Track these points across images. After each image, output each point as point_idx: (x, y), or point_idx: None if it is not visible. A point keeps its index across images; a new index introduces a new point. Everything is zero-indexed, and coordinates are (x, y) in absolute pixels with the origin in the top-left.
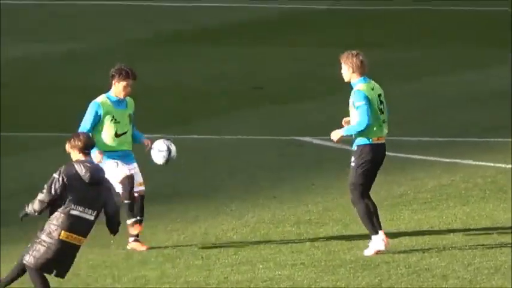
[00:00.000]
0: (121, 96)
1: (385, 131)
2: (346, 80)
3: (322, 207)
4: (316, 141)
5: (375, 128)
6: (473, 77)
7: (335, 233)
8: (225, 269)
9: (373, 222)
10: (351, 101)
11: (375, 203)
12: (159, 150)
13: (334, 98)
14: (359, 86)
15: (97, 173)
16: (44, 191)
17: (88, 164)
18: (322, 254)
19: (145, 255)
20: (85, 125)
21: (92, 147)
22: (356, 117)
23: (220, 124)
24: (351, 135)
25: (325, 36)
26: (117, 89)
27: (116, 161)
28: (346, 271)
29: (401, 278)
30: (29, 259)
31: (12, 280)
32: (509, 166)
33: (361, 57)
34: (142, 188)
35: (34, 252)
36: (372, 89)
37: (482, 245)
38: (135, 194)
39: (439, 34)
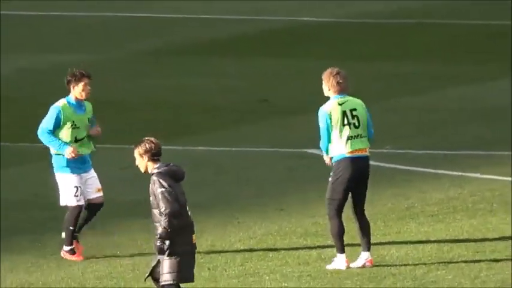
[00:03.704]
0: (83, 97)
1: (361, 145)
2: (325, 94)
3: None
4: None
5: (342, 144)
6: (481, 90)
7: None
8: (231, 281)
9: (342, 241)
10: None
11: (369, 222)
12: None
13: None
14: (325, 105)
15: (181, 171)
16: (167, 208)
17: (170, 167)
18: None
19: None
20: (47, 126)
21: (160, 155)
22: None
23: (227, 136)
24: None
25: (333, 49)
26: (77, 91)
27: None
28: (352, 283)
29: None
30: (172, 277)
31: None
32: None
33: (338, 78)
34: (100, 194)
35: (175, 268)
36: (340, 104)
37: (489, 258)
38: (94, 200)
39: (448, 48)
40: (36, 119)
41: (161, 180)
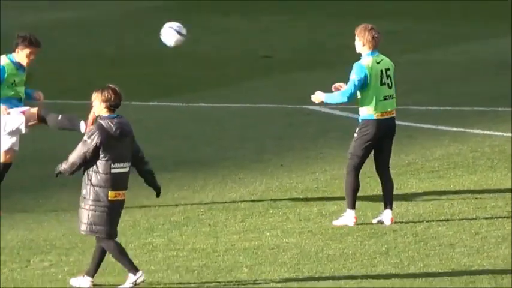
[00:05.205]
0: (24, 64)
1: (392, 106)
2: (357, 51)
3: (329, 176)
4: (324, 110)
5: (376, 104)
6: (481, 46)
7: (342, 201)
8: (232, 236)
9: (354, 198)
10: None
11: (393, 182)
12: (170, 27)
13: (342, 67)
14: (363, 60)
15: (126, 128)
16: (75, 154)
17: (115, 120)
18: (329, 222)
19: (153, 223)
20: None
21: (118, 106)
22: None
23: (229, 93)
24: (334, 104)
25: (335, 6)
26: (20, 56)
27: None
28: (353, 239)
29: (409, 246)
30: (85, 228)
31: (97, 266)
32: None
33: (373, 33)
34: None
35: (88, 219)
36: (378, 63)
37: (490, 214)
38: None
39: (446, 5)
40: (34, 74)
41: (93, 133)
